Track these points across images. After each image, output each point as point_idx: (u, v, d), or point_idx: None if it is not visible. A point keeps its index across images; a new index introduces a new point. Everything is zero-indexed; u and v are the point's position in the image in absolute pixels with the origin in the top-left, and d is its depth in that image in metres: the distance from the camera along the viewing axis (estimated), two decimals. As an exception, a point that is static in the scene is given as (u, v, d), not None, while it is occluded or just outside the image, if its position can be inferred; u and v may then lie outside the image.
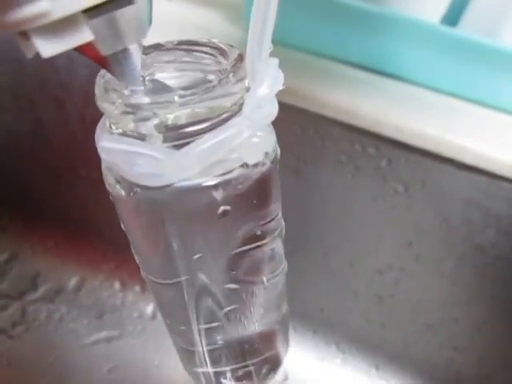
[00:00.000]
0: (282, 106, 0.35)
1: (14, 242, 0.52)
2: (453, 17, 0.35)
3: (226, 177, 0.18)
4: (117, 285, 0.50)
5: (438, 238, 0.37)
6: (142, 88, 0.17)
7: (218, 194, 0.19)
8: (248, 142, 0.18)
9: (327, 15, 0.35)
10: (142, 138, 0.17)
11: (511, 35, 0.34)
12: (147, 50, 0.20)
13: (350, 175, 0.36)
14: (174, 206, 0.19)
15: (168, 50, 0.20)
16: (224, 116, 0.18)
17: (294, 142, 0.36)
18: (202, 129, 0.17)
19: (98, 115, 0.20)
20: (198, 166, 0.17)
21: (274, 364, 0.29)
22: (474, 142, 0.32)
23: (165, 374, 0.45)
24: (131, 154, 0.17)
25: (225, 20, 0.40)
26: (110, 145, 0.17)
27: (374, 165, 0.35)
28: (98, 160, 0.20)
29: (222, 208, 0.19)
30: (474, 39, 0.32)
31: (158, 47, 0.20)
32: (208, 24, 0.39)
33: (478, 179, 0.33)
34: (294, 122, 0.35)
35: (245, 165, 0.19)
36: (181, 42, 0.20)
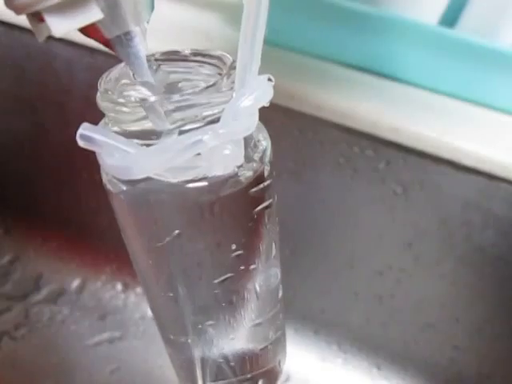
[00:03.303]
0: (280, 108, 0.35)
1: (16, 244, 0.52)
2: (451, 18, 0.35)
3: (203, 182, 0.18)
4: (119, 286, 0.50)
5: (438, 239, 0.37)
6: (151, 77, 0.18)
7: (199, 196, 0.19)
8: (217, 151, 0.18)
9: (324, 17, 0.35)
10: (140, 136, 0.18)
11: (509, 36, 0.34)
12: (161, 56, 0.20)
13: (348, 177, 0.36)
14: (144, 204, 0.20)
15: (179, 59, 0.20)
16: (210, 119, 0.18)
17: (292, 144, 0.36)
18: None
19: (98, 118, 0.20)
20: (164, 165, 0.17)
21: (270, 379, 0.29)
22: (472, 143, 0.32)
23: (168, 375, 0.45)
24: (109, 147, 0.17)
25: (223, 21, 0.40)
26: (88, 133, 0.18)
27: (372, 167, 0.35)
28: (99, 163, 0.20)
29: (205, 211, 0.19)
30: (471, 40, 0.32)
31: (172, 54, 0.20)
32: (207, 26, 0.39)
33: (476, 180, 0.33)
34: (292, 124, 0.35)
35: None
36: (194, 53, 0.20)
